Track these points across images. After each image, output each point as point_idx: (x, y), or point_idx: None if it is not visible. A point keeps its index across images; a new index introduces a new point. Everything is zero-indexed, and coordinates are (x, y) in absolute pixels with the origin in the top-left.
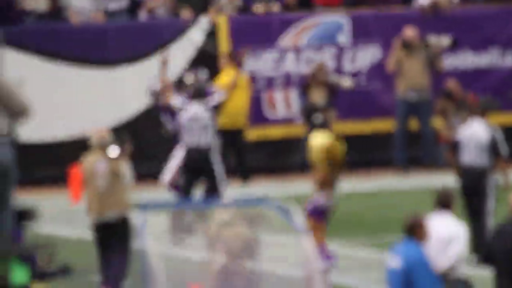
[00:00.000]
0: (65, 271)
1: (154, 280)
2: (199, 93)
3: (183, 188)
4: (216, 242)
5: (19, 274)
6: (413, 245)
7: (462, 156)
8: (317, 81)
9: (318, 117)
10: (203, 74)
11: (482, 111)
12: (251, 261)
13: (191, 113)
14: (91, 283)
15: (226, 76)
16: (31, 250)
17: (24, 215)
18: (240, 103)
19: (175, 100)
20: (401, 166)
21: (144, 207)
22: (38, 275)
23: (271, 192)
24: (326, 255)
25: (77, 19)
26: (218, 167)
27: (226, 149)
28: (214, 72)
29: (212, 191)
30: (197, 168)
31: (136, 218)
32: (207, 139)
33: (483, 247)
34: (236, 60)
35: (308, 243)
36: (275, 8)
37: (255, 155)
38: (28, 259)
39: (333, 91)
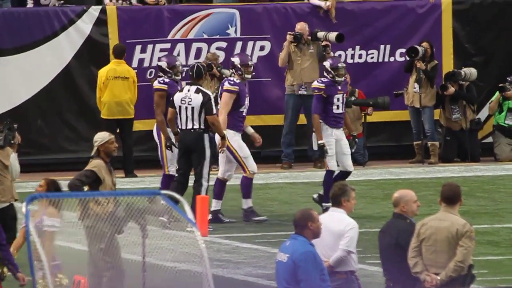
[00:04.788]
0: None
1: (40, 269)
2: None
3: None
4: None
5: None
6: (301, 240)
7: None
8: (209, 73)
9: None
10: None
11: None
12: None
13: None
14: None
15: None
16: None
17: None
18: (126, 94)
19: None
20: (288, 161)
21: (32, 197)
22: None
23: (157, 184)
24: None
25: None
26: None
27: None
28: (102, 61)
29: None
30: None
31: (22, 208)
32: None
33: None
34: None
35: (199, 236)
36: (164, 1)
37: (143, 146)
38: None
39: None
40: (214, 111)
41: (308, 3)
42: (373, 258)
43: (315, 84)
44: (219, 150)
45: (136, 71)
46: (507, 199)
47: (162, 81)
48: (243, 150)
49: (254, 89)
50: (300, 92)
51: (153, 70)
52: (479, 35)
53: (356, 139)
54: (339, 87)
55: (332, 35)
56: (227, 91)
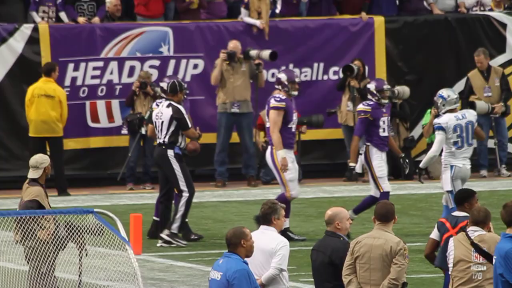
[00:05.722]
0: None
1: None
2: None
3: None
4: None
5: None
6: (234, 258)
7: None
8: (143, 91)
9: None
10: None
11: None
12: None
13: None
14: None
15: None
16: None
17: None
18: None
19: None
20: (222, 179)
21: None
22: None
23: (90, 202)
24: None
25: None
26: None
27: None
28: (34, 80)
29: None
30: None
31: None
32: None
33: None
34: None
35: (132, 254)
36: (96, 20)
37: (76, 165)
38: None
39: None
40: (190, 125)
41: (242, 21)
42: (306, 276)
43: (361, 107)
44: (281, 169)
45: (69, 89)
46: (440, 217)
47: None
48: (291, 172)
49: (187, 107)
50: (232, 110)
51: (86, 89)
52: (411, 53)
53: (406, 161)
54: (384, 110)
55: (266, 53)
56: (275, 108)
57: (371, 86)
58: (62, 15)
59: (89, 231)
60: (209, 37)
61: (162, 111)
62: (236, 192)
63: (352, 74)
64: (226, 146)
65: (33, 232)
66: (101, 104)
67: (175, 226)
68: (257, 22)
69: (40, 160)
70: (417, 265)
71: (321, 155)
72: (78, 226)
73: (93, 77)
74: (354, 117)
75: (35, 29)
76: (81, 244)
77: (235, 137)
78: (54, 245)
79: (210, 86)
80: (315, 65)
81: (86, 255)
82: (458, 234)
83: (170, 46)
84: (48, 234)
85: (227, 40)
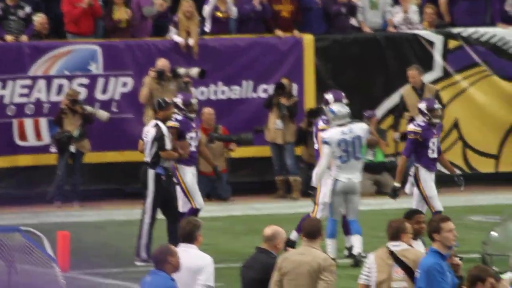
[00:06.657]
0: None
1: None
2: None
3: None
4: None
5: None
6: (162, 275)
7: None
8: (72, 109)
9: None
10: None
11: None
12: None
13: None
14: None
15: None
16: None
17: None
18: None
19: None
20: None
21: None
22: None
23: (18, 220)
24: None
25: None
26: None
27: None
28: None
29: None
30: None
31: None
32: None
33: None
34: None
35: (59, 272)
36: (24, 38)
37: (4, 183)
38: None
39: (88, 121)
40: (167, 147)
41: (170, 39)
42: None
43: (412, 127)
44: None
45: None
46: (368, 233)
47: (174, 119)
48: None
49: (116, 125)
50: None
51: (15, 107)
52: (341, 71)
53: (461, 178)
54: (434, 131)
55: (195, 71)
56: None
57: (422, 105)
58: None
59: (18, 249)
60: (138, 55)
61: (148, 130)
62: None
63: (284, 91)
64: None
65: None
66: (29, 122)
67: (143, 254)
68: (185, 40)
69: None
70: (346, 281)
71: (250, 172)
72: (7, 243)
73: (21, 95)
74: (283, 135)
75: None
76: (10, 261)
77: None
78: None
79: (140, 104)
80: (244, 83)
81: (16, 273)
82: (379, 251)
83: (99, 64)
84: None
85: (156, 58)
